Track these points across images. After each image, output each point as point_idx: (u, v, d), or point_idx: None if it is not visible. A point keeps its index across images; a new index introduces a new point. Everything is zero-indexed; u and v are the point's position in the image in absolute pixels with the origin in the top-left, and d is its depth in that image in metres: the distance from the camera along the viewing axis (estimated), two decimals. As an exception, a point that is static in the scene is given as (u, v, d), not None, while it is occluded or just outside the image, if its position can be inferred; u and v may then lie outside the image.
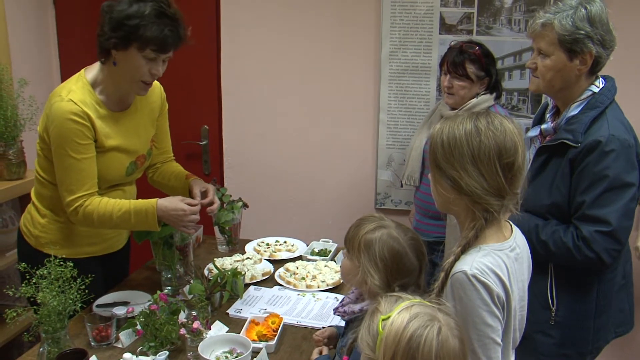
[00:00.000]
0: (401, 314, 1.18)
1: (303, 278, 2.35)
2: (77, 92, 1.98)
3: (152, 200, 2.03)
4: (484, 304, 1.31)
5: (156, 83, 2.23)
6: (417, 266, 1.54)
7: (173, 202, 2.04)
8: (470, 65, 2.54)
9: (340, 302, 1.70)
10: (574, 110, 1.90)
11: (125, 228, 2.20)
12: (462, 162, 1.37)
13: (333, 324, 2.01)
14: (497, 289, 1.33)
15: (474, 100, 2.55)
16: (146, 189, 2.39)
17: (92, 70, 2.06)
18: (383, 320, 1.18)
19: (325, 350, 1.80)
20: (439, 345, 1.14)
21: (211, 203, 2.17)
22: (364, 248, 1.53)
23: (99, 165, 2.04)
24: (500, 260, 1.37)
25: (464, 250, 1.38)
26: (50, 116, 1.98)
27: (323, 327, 1.91)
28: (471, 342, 1.31)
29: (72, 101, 1.95)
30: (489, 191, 1.36)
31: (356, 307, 1.61)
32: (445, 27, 3.01)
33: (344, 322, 1.73)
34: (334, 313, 1.68)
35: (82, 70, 2.08)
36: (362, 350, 1.23)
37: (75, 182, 1.99)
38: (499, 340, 1.34)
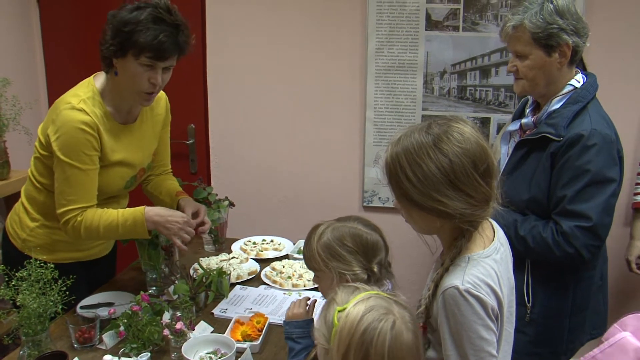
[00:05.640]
0: (357, 306, 1.16)
1: (289, 277, 2.34)
2: (88, 101, 1.91)
3: (140, 209, 1.97)
4: (478, 318, 1.28)
5: (162, 94, 2.18)
6: (378, 238, 1.51)
7: (170, 211, 2.01)
8: None
9: None
10: (555, 104, 1.89)
11: (114, 238, 2.13)
12: (440, 190, 1.29)
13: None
14: (491, 301, 1.29)
15: None
16: (138, 198, 2.34)
17: (101, 78, 1.99)
18: (339, 311, 1.17)
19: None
20: (392, 338, 1.14)
21: (203, 223, 2.13)
22: (325, 254, 1.50)
23: (100, 179, 1.98)
24: (489, 267, 1.32)
25: (453, 260, 1.34)
26: (57, 123, 1.89)
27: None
28: (467, 356, 1.28)
29: (84, 111, 1.89)
30: (476, 205, 1.31)
31: None
32: (432, 24, 3.00)
33: None
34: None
35: (92, 76, 2.01)
36: (317, 341, 1.21)
37: (75, 193, 1.92)
38: (494, 352, 1.31)
